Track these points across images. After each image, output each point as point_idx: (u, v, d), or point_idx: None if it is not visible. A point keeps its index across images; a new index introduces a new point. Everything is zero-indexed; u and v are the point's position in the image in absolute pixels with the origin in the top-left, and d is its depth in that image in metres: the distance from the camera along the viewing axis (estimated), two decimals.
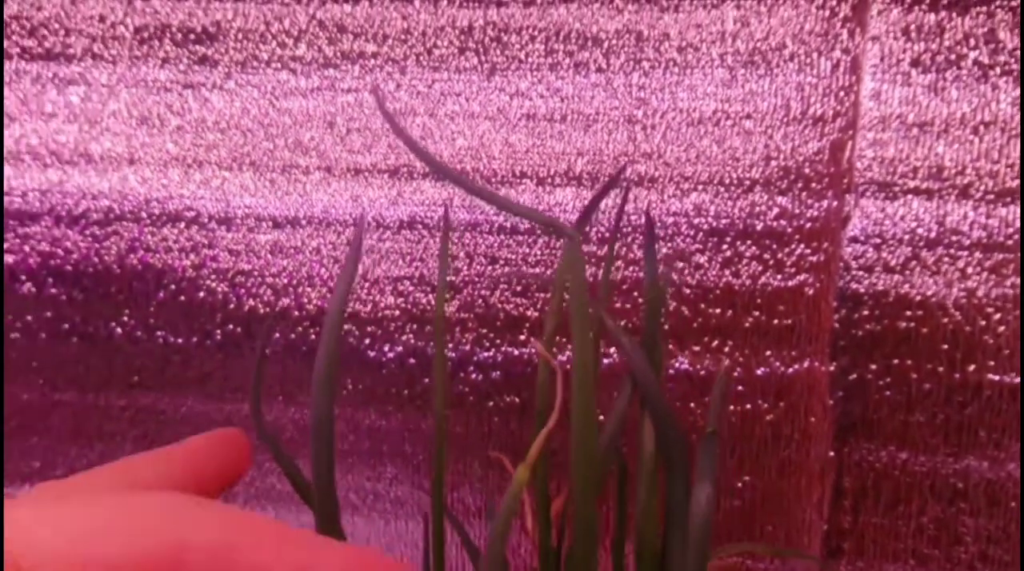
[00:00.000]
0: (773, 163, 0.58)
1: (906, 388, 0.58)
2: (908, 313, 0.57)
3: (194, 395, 0.64)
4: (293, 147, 0.61)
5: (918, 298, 0.57)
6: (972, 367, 0.56)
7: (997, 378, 0.56)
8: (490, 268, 0.61)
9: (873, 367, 0.58)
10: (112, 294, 0.64)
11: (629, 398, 0.35)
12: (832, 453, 0.59)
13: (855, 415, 0.58)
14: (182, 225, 0.63)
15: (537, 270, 0.61)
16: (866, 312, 0.58)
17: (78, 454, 0.66)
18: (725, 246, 0.59)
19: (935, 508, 0.58)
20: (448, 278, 0.61)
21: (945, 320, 0.57)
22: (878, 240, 0.57)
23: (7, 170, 0.64)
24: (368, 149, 0.60)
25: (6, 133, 0.63)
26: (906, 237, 0.57)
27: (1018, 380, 0.56)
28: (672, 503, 0.34)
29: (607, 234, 0.60)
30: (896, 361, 0.57)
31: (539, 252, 0.60)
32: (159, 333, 0.64)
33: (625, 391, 0.36)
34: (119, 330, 0.64)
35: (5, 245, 0.64)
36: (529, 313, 0.61)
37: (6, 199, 0.64)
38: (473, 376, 0.62)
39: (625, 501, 0.40)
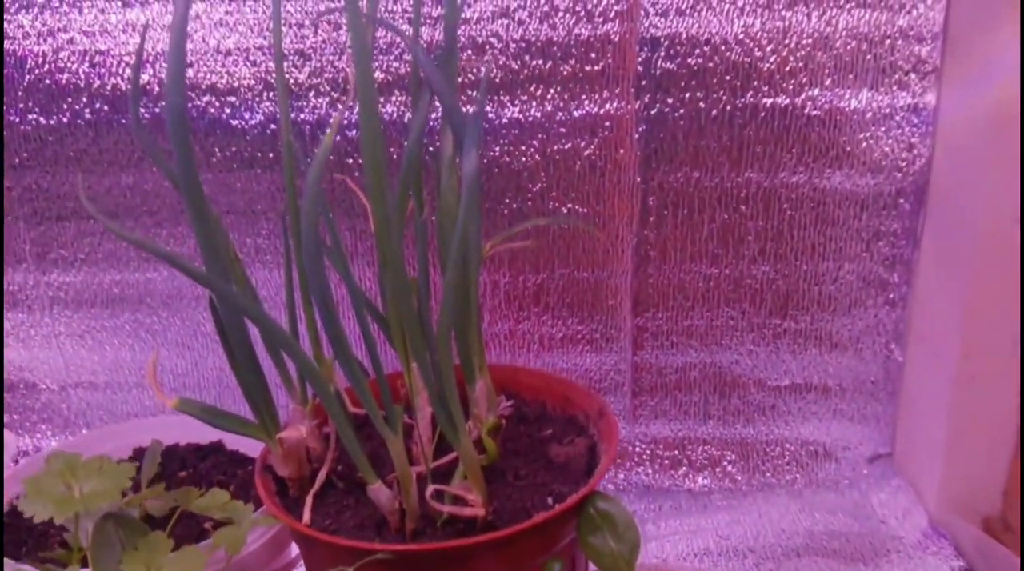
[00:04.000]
0: None
1: (697, 117, 0.68)
2: (698, 51, 0.67)
3: (74, 171, 0.70)
4: None
5: (705, 36, 0.66)
6: (750, 94, 0.67)
7: (770, 101, 0.67)
8: (335, 34, 0.67)
9: (670, 101, 0.68)
10: None
11: (427, 101, 0.44)
12: (639, 178, 0.70)
13: (657, 145, 0.69)
14: (35, 11, 0.66)
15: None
16: (663, 53, 0.67)
17: None
18: (542, 1, 0.66)
19: (722, 215, 0.71)
20: (296, 46, 0.67)
21: (728, 54, 0.67)
22: None
23: None
24: None
25: None
26: None
27: (787, 101, 0.67)
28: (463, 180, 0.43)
29: None
30: (688, 95, 0.68)
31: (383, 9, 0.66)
32: (30, 116, 0.69)
33: (423, 94, 0.44)
34: None
35: None
36: (377, 75, 0.68)
37: None
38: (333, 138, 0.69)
39: (421, 189, 0.50)
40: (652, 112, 0.68)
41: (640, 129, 0.69)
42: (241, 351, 0.47)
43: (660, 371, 0.75)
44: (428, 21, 0.67)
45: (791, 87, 0.67)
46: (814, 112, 0.67)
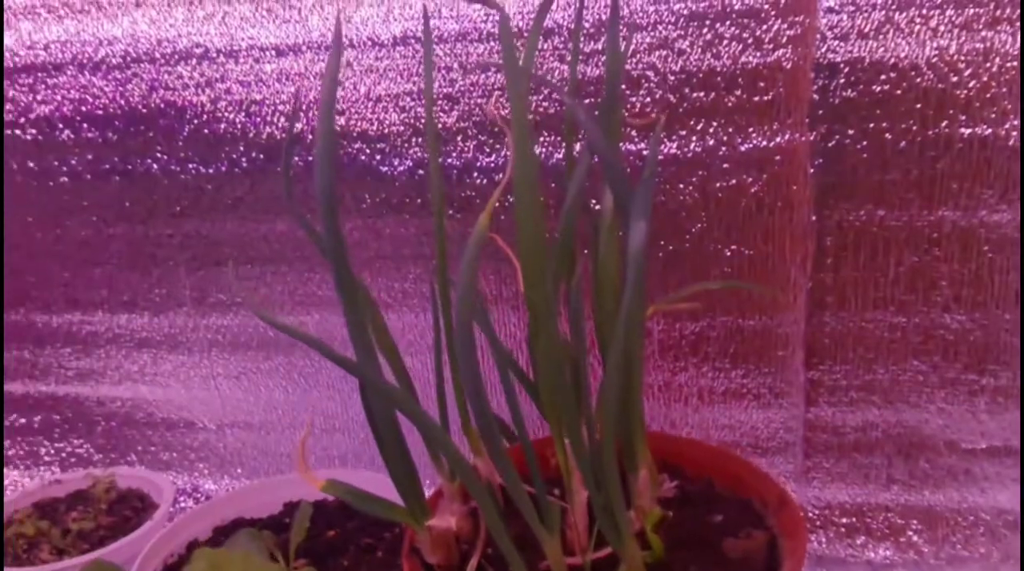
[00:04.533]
0: None
1: (881, 149, 0.61)
2: (883, 77, 0.59)
3: (231, 219, 0.71)
4: None
5: (892, 61, 0.59)
6: (944, 123, 0.59)
7: (968, 131, 0.59)
8: (483, 76, 0.64)
9: (851, 132, 0.61)
10: (142, 133, 0.69)
11: (587, 162, 0.40)
12: (814, 217, 0.63)
13: (834, 179, 0.62)
14: (193, 62, 0.67)
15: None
16: (842, 80, 0.60)
17: (139, 280, 0.75)
18: (705, 30, 0.61)
19: (911, 258, 0.63)
20: (445, 90, 0.65)
21: (918, 80, 0.59)
22: (852, 7, 0.59)
23: (27, 25, 0.68)
24: None
25: None
26: (879, 1, 0.58)
27: (989, 131, 0.59)
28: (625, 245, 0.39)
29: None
30: (872, 124, 0.61)
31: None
32: (190, 166, 0.70)
33: (584, 154, 0.40)
34: (154, 166, 0.70)
35: (39, 97, 0.70)
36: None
37: (31, 53, 0.68)
38: (478, 181, 0.67)
39: (575, 260, 0.46)
40: (829, 144, 0.62)
41: (815, 163, 0.62)
42: (389, 437, 0.44)
43: (836, 430, 0.68)
44: (581, 56, 0.63)
45: (993, 115, 0.59)
46: (1019, 143, 0.59)
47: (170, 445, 0.81)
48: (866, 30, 0.59)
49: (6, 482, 0.83)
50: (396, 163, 0.67)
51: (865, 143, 0.61)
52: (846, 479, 0.69)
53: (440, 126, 0.65)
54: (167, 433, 0.81)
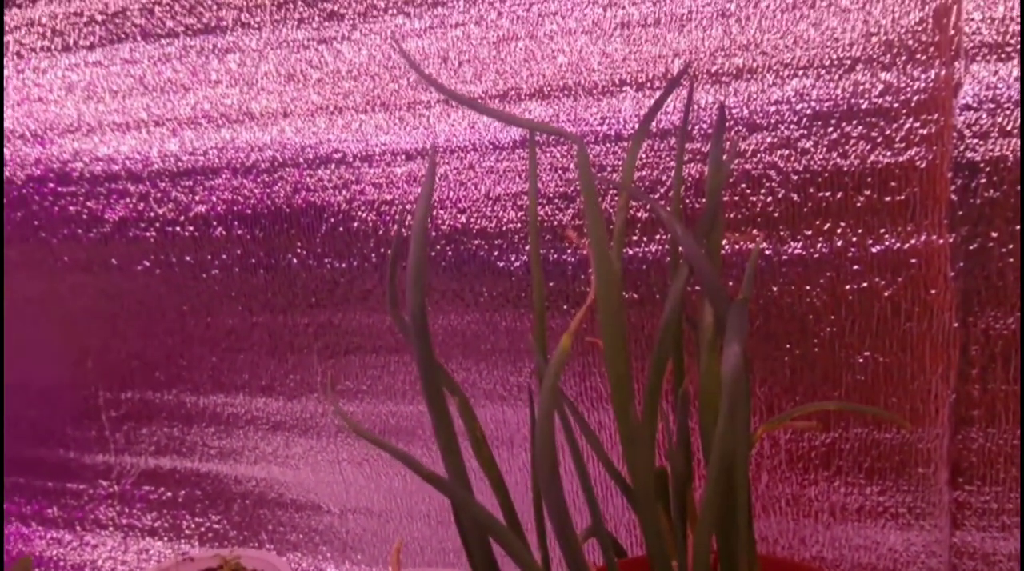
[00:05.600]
0: (874, 39, 0.57)
1: None
2: None
3: (360, 310, 0.75)
4: (415, 85, 0.68)
5: None
6: None
7: None
8: (599, 175, 0.65)
9: (995, 234, 0.57)
10: (285, 230, 0.74)
11: (685, 277, 0.39)
12: (956, 324, 0.59)
13: (979, 284, 0.58)
14: (332, 166, 0.72)
15: (641, 174, 0.64)
16: (983, 179, 0.56)
17: (276, 366, 0.79)
18: (831, 129, 0.59)
19: None
20: (561, 189, 0.66)
21: None
22: (992, 105, 0.55)
23: (190, 134, 0.76)
24: (478, 77, 0.66)
25: (183, 102, 0.75)
26: (1020, 98, 0.54)
27: None
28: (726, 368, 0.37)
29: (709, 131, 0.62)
30: (1018, 226, 0.56)
31: (644, 155, 0.64)
32: (326, 260, 0.74)
33: (681, 270, 0.40)
34: (294, 260, 0.75)
35: (197, 197, 0.76)
36: (640, 214, 0.65)
37: (192, 158, 0.76)
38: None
39: (683, 371, 0.45)
40: (972, 247, 0.57)
41: (957, 266, 0.58)
42: (480, 559, 0.44)
43: (987, 558, 0.61)
44: (700, 157, 0.63)
45: None
46: None
47: (297, 527, 0.84)
48: (1008, 127, 0.55)
49: (151, 551, 0.89)
50: (513, 258, 0.68)
51: (1012, 246, 0.57)
52: None
53: (556, 223, 0.66)
54: (295, 514, 0.84)
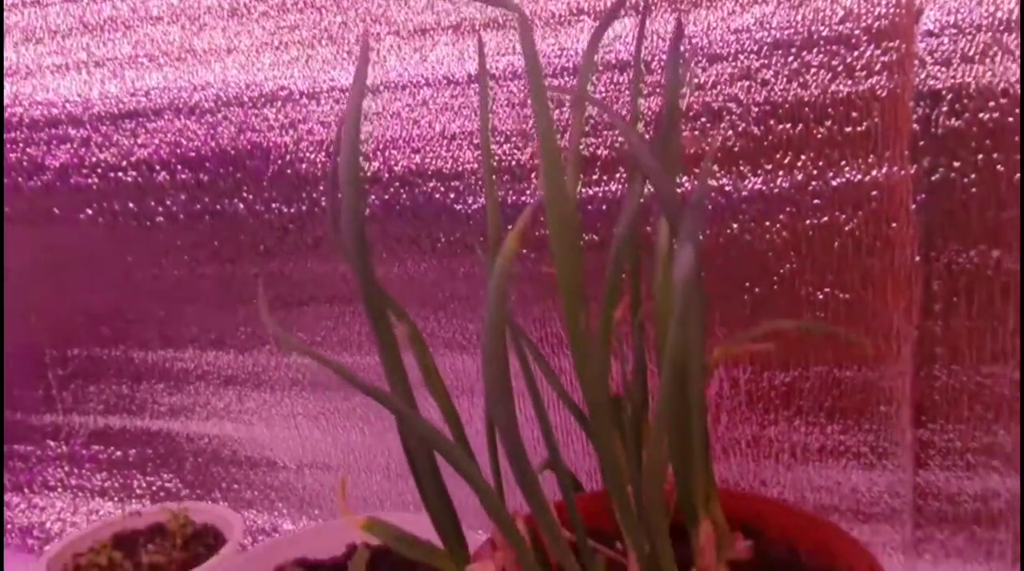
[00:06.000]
0: None
1: (995, 184, 0.55)
2: (992, 104, 0.54)
3: (312, 258, 0.72)
4: (363, 16, 0.65)
5: (1002, 86, 0.53)
6: None
7: None
8: (556, 111, 0.63)
9: (957, 165, 0.56)
10: (230, 174, 0.71)
11: (639, 184, 0.37)
12: (919, 258, 0.58)
13: (942, 218, 0.57)
14: (278, 104, 0.69)
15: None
16: (945, 108, 0.55)
17: (226, 318, 0.76)
18: (791, 58, 0.58)
19: None
20: (519, 126, 0.64)
21: None
22: (954, 30, 0.54)
23: (131, 74, 0.72)
24: (431, 7, 0.63)
25: (123, 41, 0.71)
26: (985, 22, 0.53)
27: None
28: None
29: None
30: (981, 156, 0.55)
31: (604, 88, 0.61)
32: (274, 205, 0.71)
33: (635, 176, 0.38)
34: (241, 206, 0.72)
35: (139, 140, 0.73)
36: (600, 152, 0.63)
37: (134, 99, 0.73)
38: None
39: (639, 301, 0.43)
40: (934, 178, 0.56)
41: (919, 199, 0.57)
42: (427, 476, 0.42)
43: (952, 498, 0.60)
44: (660, 90, 0.61)
45: None
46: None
47: (252, 483, 0.82)
48: (971, 54, 0.54)
49: (101, 512, 0.86)
50: (471, 201, 0.66)
51: (975, 177, 0.55)
52: (964, 555, 0.61)
53: (514, 163, 0.64)
54: (250, 471, 0.81)
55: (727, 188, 0.60)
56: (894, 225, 0.58)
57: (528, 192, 0.64)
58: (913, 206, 0.57)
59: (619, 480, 0.39)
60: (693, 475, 0.39)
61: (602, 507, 0.45)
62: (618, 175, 0.63)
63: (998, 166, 0.54)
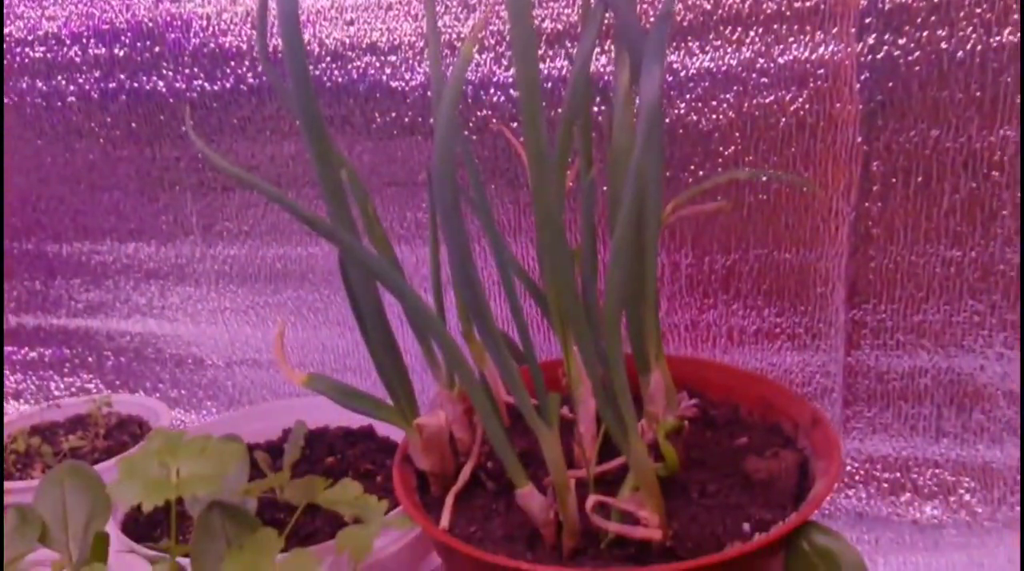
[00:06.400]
0: None
1: (938, 61, 0.55)
2: None
3: (239, 139, 0.68)
4: None
5: None
6: (1008, 30, 0.53)
7: None
8: None
9: (902, 42, 0.55)
10: (148, 48, 0.66)
11: (600, 12, 0.35)
12: (860, 139, 0.58)
13: (884, 96, 0.57)
14: None
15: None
16: None
17: (146, 206, 0.72)
18: None
19: (969, 184, 0.57)
20: None
21: None
22: None
23: None
24: None
25: None
26: None
27: None
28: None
29: None
30: (926, 33, 0.55)
31: None
32: (196, 83, 0.67)
33: (596, 8, 0.36)
34: (161, 84, 0.67)
35: (47, 11, 0.67)
36: (546, 25, 0.60)
37: None
38: (495, 98, 0.62)
39: (591, 162, 0.42)
40: (878, 56, 0.56)
41: (863, 78, 0.56)
42: (373, 323, 0.41)
43: (881, 376, 0.62)
44: None
45: None
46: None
47: (179, 382, 0.79)
48: None
49: (15, 415, 0.82)
50: (408, 78, 0.63)
51: (919, 54, 0.55)
52: (890, 430, 0.63)
53: (455, 37, 0.61)
54: (176, 369, 0.78)
55: (674, 64, 0.59)
56: (838, 105, 0.57)
57: (472, 69, 0.62)
58: (857, 85, 0.57)
59: (581, 327, 0.38)
60: (646, 325, 0.39)
61: (555, 375, 0.44)
62: (564, 50, 0.60)
63: (942, 44, 0.54)
